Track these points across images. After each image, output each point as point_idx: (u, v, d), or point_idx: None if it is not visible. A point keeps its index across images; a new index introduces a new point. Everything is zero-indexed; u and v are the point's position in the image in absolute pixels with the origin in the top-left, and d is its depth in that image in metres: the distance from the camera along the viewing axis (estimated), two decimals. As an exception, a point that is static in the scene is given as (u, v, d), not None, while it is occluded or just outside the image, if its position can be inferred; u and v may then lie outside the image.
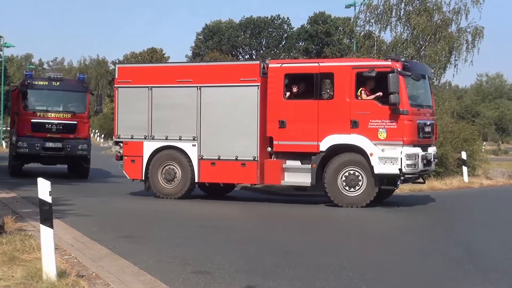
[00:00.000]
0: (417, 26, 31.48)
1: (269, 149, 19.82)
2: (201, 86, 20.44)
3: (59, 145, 27.99)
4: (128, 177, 21.62)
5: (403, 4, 32.88)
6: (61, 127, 28.11)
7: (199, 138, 20.39)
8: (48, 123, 28.05)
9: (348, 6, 48.15)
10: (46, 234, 9.09)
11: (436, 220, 17.76)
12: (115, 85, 22.02)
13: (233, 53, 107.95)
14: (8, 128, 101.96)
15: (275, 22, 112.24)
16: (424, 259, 11.72)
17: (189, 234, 14.13)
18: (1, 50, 69.35)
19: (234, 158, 19.93)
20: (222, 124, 20.26)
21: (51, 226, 9.10)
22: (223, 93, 20.30)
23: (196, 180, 20.54)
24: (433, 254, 12.23)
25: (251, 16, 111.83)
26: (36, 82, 28.91)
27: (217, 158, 20.18)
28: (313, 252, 12.20)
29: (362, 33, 34.93)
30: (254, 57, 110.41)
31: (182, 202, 20.31)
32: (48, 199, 9.06)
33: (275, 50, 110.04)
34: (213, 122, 20.36)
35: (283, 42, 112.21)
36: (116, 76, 21.90)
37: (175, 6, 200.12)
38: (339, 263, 11.01)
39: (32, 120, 27.95)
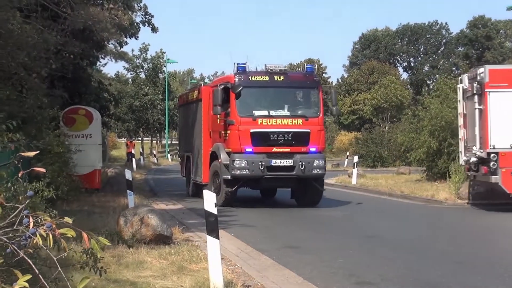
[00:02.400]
0: None
1: None
2: None
3: (289, 162, 20.98)
4: (507, 191, 19.92)
5: None
6: (290, 138, 21.07)
7: None
8: (273, 133, 21.00)
9: (509, 8, 46.60)
10: (212, 245, 9.26)
11: None
12: (486, 89, 19.77)
13: (390, 61, 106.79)
14: (173, 141, 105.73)
15: (433, 28, 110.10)
16: None
17: (352, 245, 14.02)
18: (165, 66, 71.88)
19: None
20: None
21: (217, 237, 9.26)
22: None
23: None
24: None
25: (408, 23, 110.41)
26: (253, 78, 21.57)
27: None
28: (479, 262, 11.81)
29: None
30: (412, 64, 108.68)
31: (343, 214, 20.23)
32: (214, 210, 9.23)
33: (434, 56, 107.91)
34: None
35: (442, 48, 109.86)
36: (487, 80, 19.80)
37: (331, 16, 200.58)
38: (508, 275, 10.60)
39: (251, 130, 20.99)
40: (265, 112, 21.30)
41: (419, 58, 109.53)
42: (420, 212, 21.00)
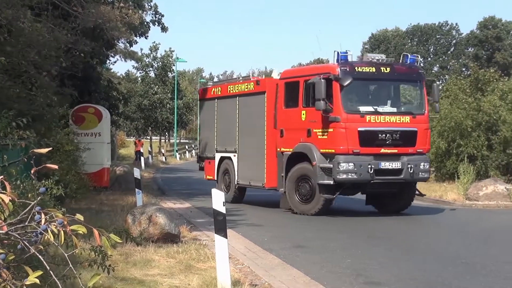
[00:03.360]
0: None
1: None
2: None
3: (397, 165, 18.78)
4: None
5: None
6: (398, 137, 18.83)
7: None
8: (382, 132, 18.67)
9: (520, 9, 46.45)
10: (220, 244, 9.28)
11: None
12: None
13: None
14: (182, 140, 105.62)
15: (443, 28, 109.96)
16: None
17: (360, 245, 14.04)
18: (174, 65, 71.95)
19: None
20: None
21: (225, 236, 9.27)
22: None
23: None
24: None
25: (418, 23, 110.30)
26: (359, 69, 18.91)
27: None
28: (490, 263, 11.80)
29: (537, 37, 33.60)
30: (421, 65, 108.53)
31: (352, 215, 20.24)
32: (222, 209, 9.25)
33: (443, 57, 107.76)
34: None
35: (452, 49, 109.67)
36: None
37: (340, 16, 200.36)
38: (518, 277, 10.62)
39: (359, 129, 18.55)
40: (370, 108, 18.91)
41: (429, 59, 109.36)
42: (428, 212, 20.95)
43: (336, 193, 18.90)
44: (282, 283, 9.96)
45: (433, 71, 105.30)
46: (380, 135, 18.54)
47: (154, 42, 70.68)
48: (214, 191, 9.38)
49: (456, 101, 31.36)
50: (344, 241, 14.73)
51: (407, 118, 19.05)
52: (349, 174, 18.26)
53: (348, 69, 18.55)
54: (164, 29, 30.48)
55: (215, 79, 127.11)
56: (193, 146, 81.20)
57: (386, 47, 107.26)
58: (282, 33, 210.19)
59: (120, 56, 38.89)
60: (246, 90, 22.38)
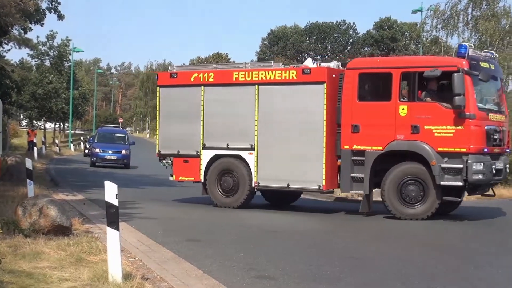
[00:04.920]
0: (485, 31, 31.04)
1: None
2: None
3: (501, 165, 18.13)
4: None
5: (470, 9, 32.53)
6: (501, 137, 18.20)
7: None
8: (496, 131, 17.87)
9: (414, 11, 47.82)
10: (112, 237, 9.22)
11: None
12: None
13: (298, 58, 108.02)
14: (80, 131, 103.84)
15: (341, 27, 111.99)
16: (477, 268, 11.55)
17: (253, 239, 14.14)
18: (71, 55, 70.56)
19: None
20: None
21: (117, 229, 9.22)
22: None
23: None
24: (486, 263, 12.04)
25: (317, 21, 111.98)
26: (482, 64, 17.80)
27: None
28: (379, 258, 12.10)
29: (429, 39, 34.66)
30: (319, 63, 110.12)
31: (243, 209, 20.36)
32: (115, 202, 9.18)
33: (340, 55, 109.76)
34: None
35: (349, 48, 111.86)
36: None
37: (240, 11, 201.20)
38: (406, 271, 10.91)
39: (486, 127, 17.52)
40: (485, 105, 18.01)
41: (326, 57, 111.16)
42: (325, 207, 21.25)
43: (462, 195, 17.80)
44: (174, 276, 9.96)
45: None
46: (495, 134, 17.72)
47: (52, 30, 68.81)
48: (107, 183, 9.28)
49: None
50: (237, 235, 14.81)
51: (503, 117, 18.50)
52: (479, 174, 17.15)
53: (476, 63, 17.53)
54: (60, 17, 29.80)
55: (113, 70, 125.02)
56: (88, 137, 79.97)
57: (284, 44, 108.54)
58: (179, 27, 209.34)
59: (14, 43, 37.84)
60: (278, 79, 19.54)
